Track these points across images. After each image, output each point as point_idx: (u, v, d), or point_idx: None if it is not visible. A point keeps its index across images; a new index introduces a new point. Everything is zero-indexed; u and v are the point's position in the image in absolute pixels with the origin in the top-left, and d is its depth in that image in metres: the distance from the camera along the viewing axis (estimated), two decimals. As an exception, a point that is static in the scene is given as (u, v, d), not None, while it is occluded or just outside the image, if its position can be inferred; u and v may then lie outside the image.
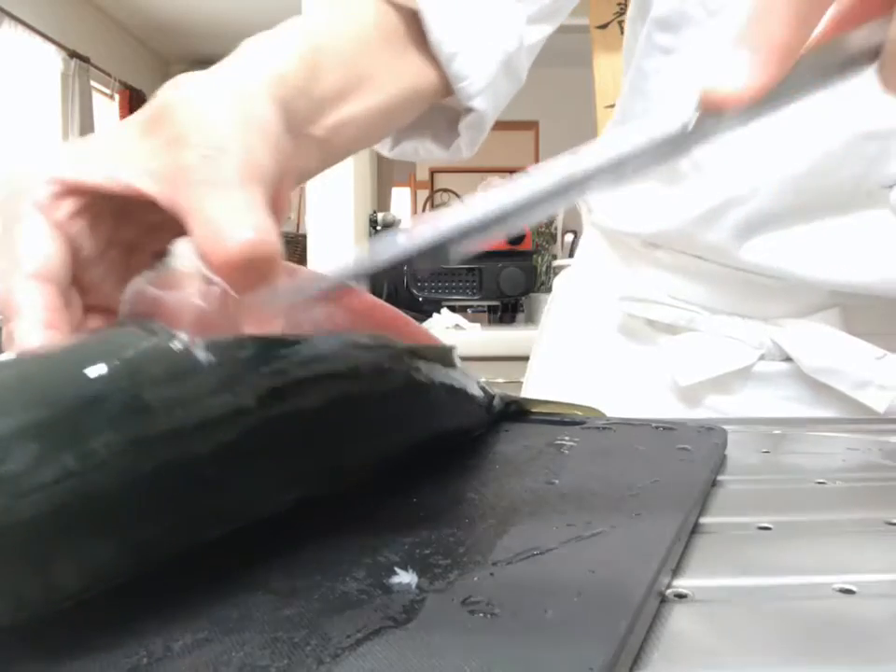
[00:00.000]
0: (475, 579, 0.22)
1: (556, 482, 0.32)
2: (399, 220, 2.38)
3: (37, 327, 0.25)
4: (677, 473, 0.34)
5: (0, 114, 3.45)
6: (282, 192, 0.28)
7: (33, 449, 0.16)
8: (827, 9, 0.21)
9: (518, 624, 0.19)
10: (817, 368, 0.55)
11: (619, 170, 0.21)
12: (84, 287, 0.28)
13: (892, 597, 0.24)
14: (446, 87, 0.42)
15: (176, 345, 0.20)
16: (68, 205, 0.27)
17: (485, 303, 2.25)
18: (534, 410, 0.46)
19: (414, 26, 0.40)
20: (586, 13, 2.04)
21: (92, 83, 4.20)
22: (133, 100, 4.70)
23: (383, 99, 0.38)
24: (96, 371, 0.18)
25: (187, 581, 0.21)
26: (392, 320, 0.34)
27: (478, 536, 0.25)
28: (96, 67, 4.21)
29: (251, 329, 0.25)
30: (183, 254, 0.27)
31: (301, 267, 0.32)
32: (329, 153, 0.36)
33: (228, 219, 0.24)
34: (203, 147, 0.26)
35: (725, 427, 0.43)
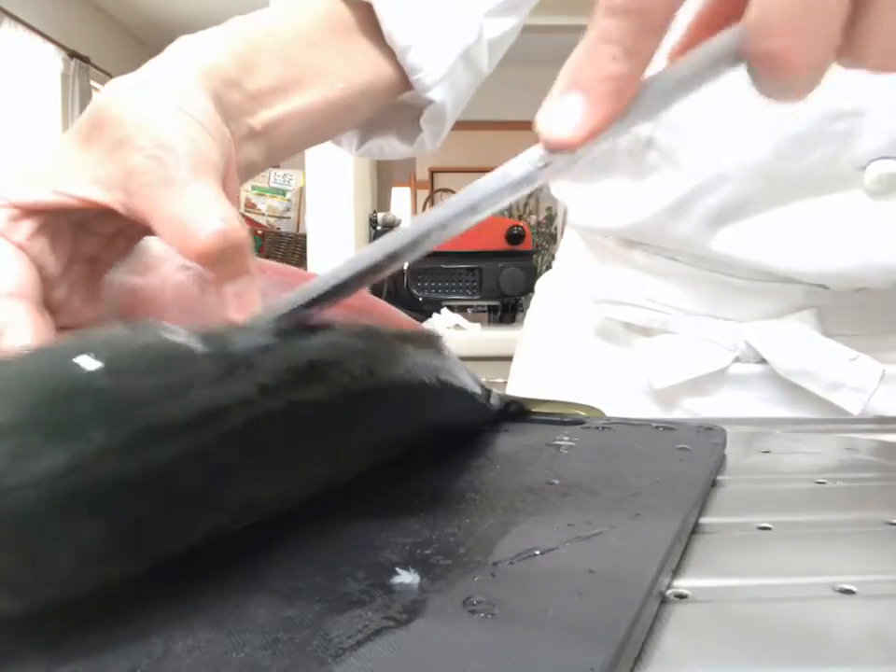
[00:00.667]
0: (476, 579, 0.22)
1: (556, 481, 0.32)
2: (399, 220, 2.38)
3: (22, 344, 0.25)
4: (677, 473, 0.34)
5: (0, 114, 3.45)
6: (227, 183, 0.28)
7: (30, 440, 0.16)
8: (659, 38, 0.20)
9: (518, 624, 0.19)
10: (791, 370, 0.54)
11: (479, 208, 0.22)
12: (52, 307, 0.28)
13: (892, 597, 0.24)
14: (404, 80, 0.42)
15: (172, 336, 0.20)
16: (25, 227, 0.27)
17: (485, 303, 2.25)
18: (534, 409, 0.46)
19: (368, 19, 0.40)
20: (586, 13, 2.04)
21: (92, 83, 4.20)
22: (132, 100, 4.70)
23: (331, 93, 0.37)
24: (91, 362, 0.18)
25: (185, 581, 0.21)
26: (370, 305, 0.35)
27: (479, 536, 0.26)
28: (96, 67, 4.20)
29: (231, 311, 0.25)
30: (154, 241, 0.27)
31: (268, 263, 0.32)
32: (274, 147, 0.35)
33: (193, 214, 0.24)
34: (148, 149, 0.26)
35: (724, 426, 0.43)
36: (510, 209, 2.65)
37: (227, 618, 0.19)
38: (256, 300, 0.25)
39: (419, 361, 0.31)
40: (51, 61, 3.89)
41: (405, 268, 2.44)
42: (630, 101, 0.20)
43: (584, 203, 0.62)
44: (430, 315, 2.13)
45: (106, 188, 0.26)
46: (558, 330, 0.66)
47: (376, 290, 2.51)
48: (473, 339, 1.95)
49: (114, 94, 0.28)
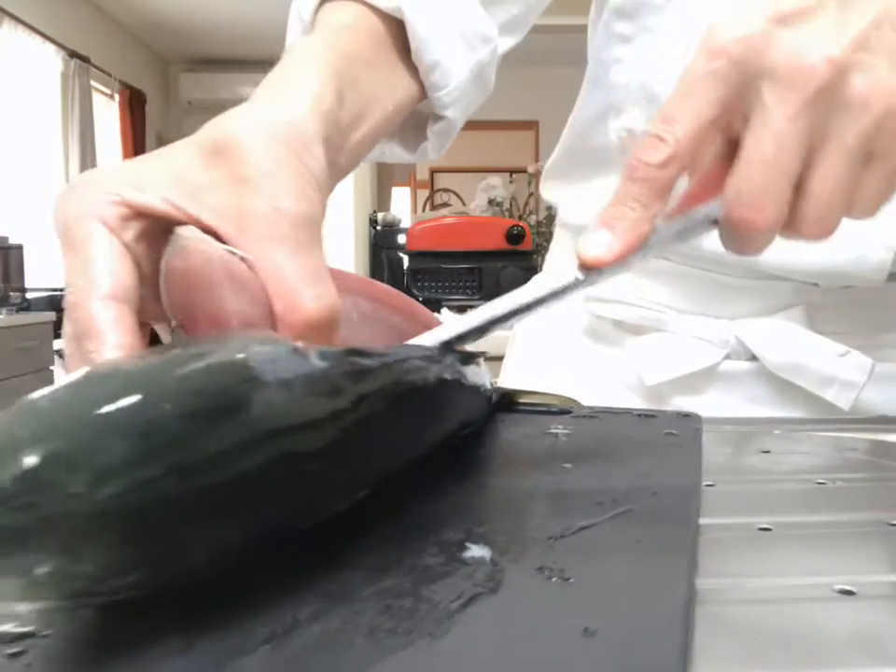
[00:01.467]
0: (538, 551, 0.24)
1: (569, 465, 0.34)
2: (399, 220, 2.39)
3: (117, 348, 0.25)
4: (673, 455, 0.36)
5: (0, 114, 3.45)
6: None
7: (166, 438, 0.17)
8: (665, 200, 0.29)
9: (593, 588, 0.21)
10: (781, 365, 0.54)
11: (532, 308, 0.31)
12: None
13: (892, 598, 0.24)
14: (421, 95, 0.42)
15: (294, 351, 0.22)
16: (133, 228, 0.27)
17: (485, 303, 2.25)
18: (519, 400, 0.47)
19: (396, 35, 0.41)
20: (586, 13, 2.04)
21: (92, 83, 4.20)
22: (132, 100, 4.70)
23: (384, 118, 0.39)
24: (215, 371, 0.20)
25: (289, 563, 0.22)
26: (405, 302, 0.38)
27: (521, 516, 0.28)
28: (96, 67, 4.21)
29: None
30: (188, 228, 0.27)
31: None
32: (344, 174, 0.37)
33: (305, 283, 0.26)
34: (271, 200, 0.27)
35: (724, 427, 0.43)
36: (510, 209, 2.65)
37: (335, 591, 0.21)
38: None
39: (465, 374, 0.35)
40: (51, 61, 3.89)
41: (405, 268, 2.44)
42: (643, 240, 0.29)
43: (577, 201, 0.62)
44: (430, 315, 2.13)
45: (218, 216, 0.27)
46: (548, 330, 0.66)
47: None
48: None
49: (241, 125, 0.29)
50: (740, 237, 0.29)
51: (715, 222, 0.29)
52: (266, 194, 0.27)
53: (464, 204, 2.47)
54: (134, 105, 4.70)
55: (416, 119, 0.46)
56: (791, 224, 0.29)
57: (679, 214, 0.30)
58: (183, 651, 0.17)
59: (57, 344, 2.96)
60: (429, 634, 0.18)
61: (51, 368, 2.85)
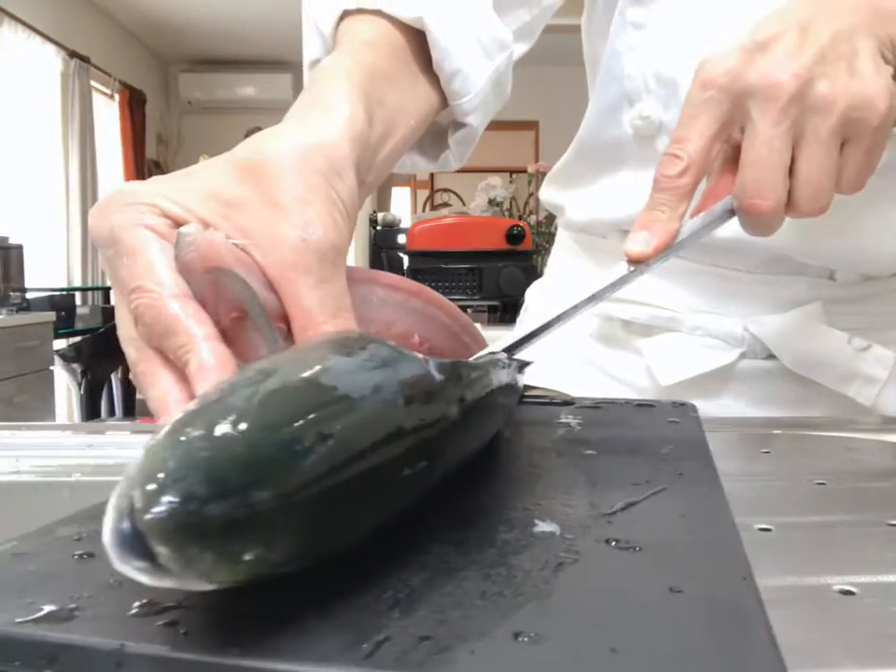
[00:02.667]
0: (597, 526, 0.25)
1: (592, 452, 0.35)
2: (399, 220, 2.39)
3: (208, 340, 0.26)
4: (682, 440, 0.38)
5: (0, 114, 3.45)
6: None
7: (321, 442, 0.19)
8: (688, 202, 0.36)
9: (662, 555, 0.23)
10: (800, 362, 0.53)
11: (600, 297, 0.38)
12: None
13: (892, 598, 0.24)
14: (443, 105, 0.44)
15: (424, 364, 0.25)
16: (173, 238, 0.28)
17: (485, 303, 2.25)
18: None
19: (418, 46, 0.42)
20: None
21: (92, 83, 4.20)
22: (132, 100, 4.70)
23: (408, 132, 0.40)
24: (369, 380, 0.22)
25: (383, 544, 0.24)
26: (415, 286, 0.41)
27: (570, 496, 0.29)
28: (96, 67, 4.21)
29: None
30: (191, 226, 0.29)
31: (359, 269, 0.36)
32: (370, 190, 0.39)
33: (323, 317, 0.28)
34: (300, 227, 0.28)
35: (724, 427, 0.43)
36: (510, 209, 2.65)
37: (431, 562, 0.22)
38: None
39: (519, 379, 0.39)
40: (51, 61, 3.89)
41: (405, 268, 2.44)
42: (675, 235, 0.36)
43: (585, 201, 0.61)
44: (430, 315, 2.12)
45: (250, 239, 0.28)
46: (554, 337, 0.65)
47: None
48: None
49: (276, 147, 0.30)
50: (753, 221, 0.36)
51: (731, 212, 0.37)
52: (295, 222, 0.28)
53: (464, 204, 2.47)
54: (134, 105, 4.70)
55: (435, 130, 0.47)
56: (791, 204, 0.36)
57: (702, 210, 0.38)
58: (321, 613, 0.19)
59: (57, 345, 2.96)
60: (535, 596, 0.20)
61: (51, 368, 2.85)
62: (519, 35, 0.51)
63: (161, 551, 0.16)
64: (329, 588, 0.20)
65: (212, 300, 0.28)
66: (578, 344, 0.62)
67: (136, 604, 0.20)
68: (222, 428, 0.18)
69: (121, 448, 0.50)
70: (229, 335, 0.28)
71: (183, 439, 0.18)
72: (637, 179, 0.55)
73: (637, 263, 0.36)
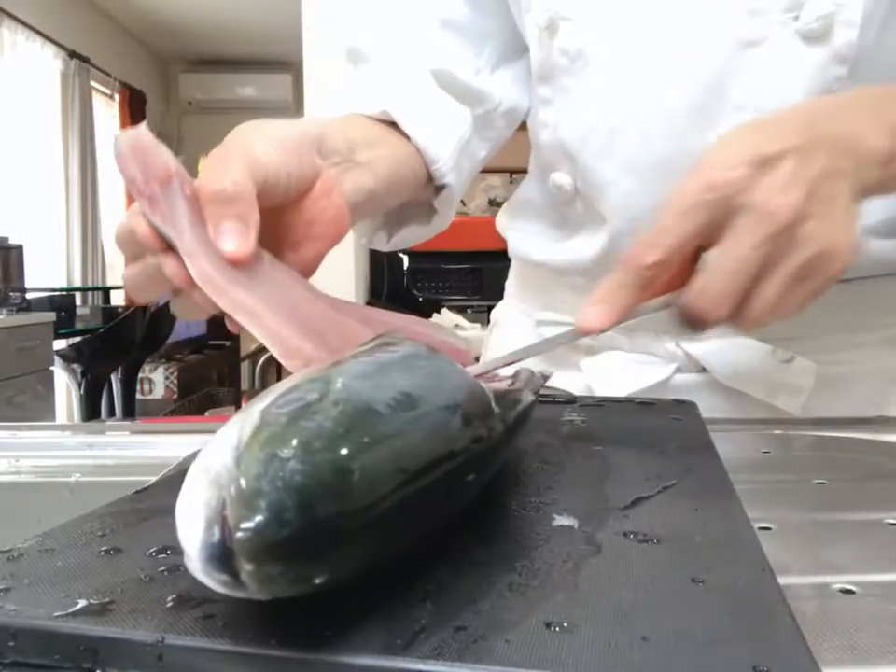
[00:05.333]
0: (614, 519, 0.26)
1: (599, 448, 0.36)
2: (399, 220, 2.38)
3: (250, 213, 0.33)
4: (686, 436, 0.39)
5: (0, 114, 3.45)
6: (323, 195, 0.39)
7: (403, 472, 0.20)
8: (645, 290, 0.36)
9: (681, 547, 0.24)
10: (729, 375, 0.56)
11: (530, 353, 0.40)
12: None
13: (892, 597, 0.24)
14: (426, 170, 0.52)
15: (482, 389, 0.26)
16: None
17: (485, 303, 2.25)
18: None
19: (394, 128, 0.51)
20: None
21: (92, 83, 4.20)
22: (132, 100, 4.70)
23: (397, 152, 0.49)
24: (436, 404, 0.23)
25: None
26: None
27: (584, 490, 0.30)
28: (96, 67, 4.21)
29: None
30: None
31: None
32: (378, 176, 0.45)
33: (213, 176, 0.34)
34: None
35: (724, 427, 0.43)
36: (510, 209, 2.65)
37: (455, 556, 0.23)
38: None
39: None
40: (51, 61, 3.89)
41: (405, 268, 2.44)
42: (627, 315, 0.37)
43: (519, 238, 0.66)
44: (430, 316, 2.13)
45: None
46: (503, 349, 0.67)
47: (377, 290, 2.51)
48: (473, 339, 1.95)
49: (259, 129, 0.38)
50: (693, 324, 0.37)
51: (668, 306, 0.38)
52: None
53: (464, 205, 2.47)
54: (134, 106, 4.70)
55: (423, 210, 0.56)
56: (734, 319, 0.37)
57: (649, 298, 0.39)
58: (356, 604, 0.20)
59: (57, 345, 2.96)
60: (562, 587, 0.21)
61: (51, 368, 2.85)
62: (479, 128, 0.59)
63: (248, 569, 0.17)
64: (362, 580, 0.21)
65: (142, 178, 0.33)
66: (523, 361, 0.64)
67: (171, 597, 0.21)
68: (316, 454, 0.18)
69: (121, 448, 0.50)
70: (160, 204, 0.33)
71: (277, 456, 0.18)
72: (556, 237, 0.62)
73: (585, 335, 0.37)
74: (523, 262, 0.69)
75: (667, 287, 0.37)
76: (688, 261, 0.37)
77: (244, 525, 0.17)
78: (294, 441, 0.19)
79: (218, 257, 0.33)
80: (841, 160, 0.36)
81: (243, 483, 0.18)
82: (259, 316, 0.34)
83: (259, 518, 0.17)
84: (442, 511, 0.24)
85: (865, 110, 0.39)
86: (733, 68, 0.49)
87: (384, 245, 0.59)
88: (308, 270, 0.40)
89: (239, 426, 0.20)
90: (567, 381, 0.61)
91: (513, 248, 0.68)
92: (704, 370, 0.57)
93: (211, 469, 0.19)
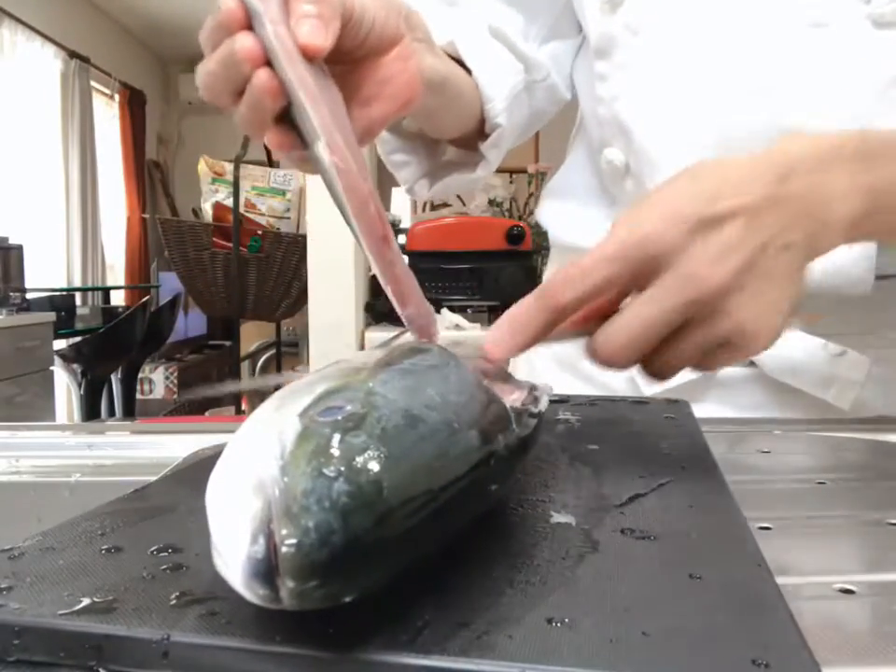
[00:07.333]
0: (610, 516, 0.27)
1: (596, 447, 0.37)
2: (400, 220, 2.38)
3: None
4: (680, 435, 0.39)
5: (0, 114, 3.45)
6: (404, 58, 0.39)
7: (441, 494, 0.21)
8: (559, 321, 0.35)
9: (677, 544, 0.24)
10: (779, 368, 0.54)
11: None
12: None
13: (892, 597, 0.24)
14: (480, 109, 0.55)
15: (501, 402, 0.27)
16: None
17: (485, 303, 2.25)
18: None
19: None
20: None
21: (92, 83, 4.20)
22: (132, 100, 4.69)
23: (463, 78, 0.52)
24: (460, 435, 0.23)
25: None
26: None
27: (580, 488, 0.30)
28: (96, 67, 4.20)
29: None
30: None
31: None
32: (449, 80, 0.48)
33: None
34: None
35: (723, 427, 0.43)
36: (510, 209, 2.65)
37: (454, 552, 0.23)
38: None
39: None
40: (51, 61, 3.89)
41: (405, 268, 2.43)
42: (533, 342, 0.35)
43: (568, 224, 0.65)
44: (430, 316, 2.12)
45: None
46: (544, 349, 0.66)
47: (377, 289, 2.51)
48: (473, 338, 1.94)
49: None
50: (598, 362, 0.36)
51: (585, 335, 0.36)
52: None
53: (464, 204, 2.47)
54: (134, 106, 4.70)
55: (467, 159, 0.57)
56: (641, 366, 0.36)
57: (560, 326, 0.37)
58: (358, 600, 0.19)
59: (57, 345, 2.96)
60: (561, 583, 0.21)
61: (51, 368, 2.85)
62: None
63: (289, 586, 0.17)
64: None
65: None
66: (558, 351, 0.64)
67: (174, 595, 0.21)
68: (361, 474, 0.19)
69: (121, 448, 0.50)
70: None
71: (324, 474, 0.18)
72: (607, 217, 0.60)
73: (492, 362, 0.35)
74: (566, 250, 0.68)
75: (586, 319, 0.36)
76: (610, 301, 0.36)
77: (289, 542, 0.17)
78: (341, 460, 0.19)
79: (293, 42, 0.33)
80: (795, 229, 0.34)
81: (290, 499, 0.18)
82: (317, 103, 0.33)
83: (305, 539, 0.17)
84: (465, 522, 0.24)
85: (848, 166, 0.36)
86: (800, 49, 0.48)
87: (424, 194, 0.60)
88: (371, 131, 0.39)
89: (278, 430, 0.20)
90: (608, 376, 0.60)
91: (556, 236, 0.67)
92: (752, 363, 0.56)
93: (253, 474, 0.19)
